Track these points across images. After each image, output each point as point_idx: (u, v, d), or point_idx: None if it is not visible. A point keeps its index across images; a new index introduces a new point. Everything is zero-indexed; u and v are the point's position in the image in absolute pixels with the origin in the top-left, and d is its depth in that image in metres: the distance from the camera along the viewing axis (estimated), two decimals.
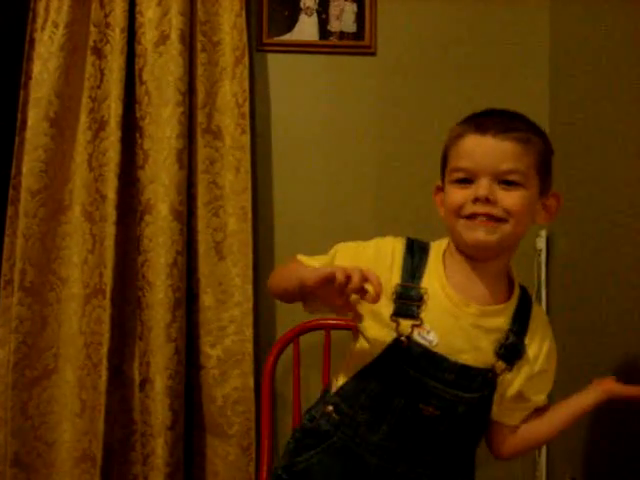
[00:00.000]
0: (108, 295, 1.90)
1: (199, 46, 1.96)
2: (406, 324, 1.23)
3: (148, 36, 1.92)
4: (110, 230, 1.90)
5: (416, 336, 1.22)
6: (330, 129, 2.10)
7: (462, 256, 1.27)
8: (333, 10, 2.08)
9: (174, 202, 1.89)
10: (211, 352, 1.98)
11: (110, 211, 1.90)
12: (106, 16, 1.93)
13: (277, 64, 2.10)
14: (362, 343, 1.31)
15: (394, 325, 1.23)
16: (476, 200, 1.19)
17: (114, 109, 1.91)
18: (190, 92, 1.95)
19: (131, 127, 1.95)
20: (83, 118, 1.94)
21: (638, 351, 1.60)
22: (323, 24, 2.08)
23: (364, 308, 1.21)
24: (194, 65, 1.96)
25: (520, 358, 1.27)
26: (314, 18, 2.07)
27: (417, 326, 1.23)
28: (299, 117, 2.11)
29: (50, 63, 1.90)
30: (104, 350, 1.90)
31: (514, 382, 1.29)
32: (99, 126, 1.94)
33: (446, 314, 1.24)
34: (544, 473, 2.04)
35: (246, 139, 1.96)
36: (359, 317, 1.24)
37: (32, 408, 1.93)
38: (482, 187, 1.18)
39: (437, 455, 1.28)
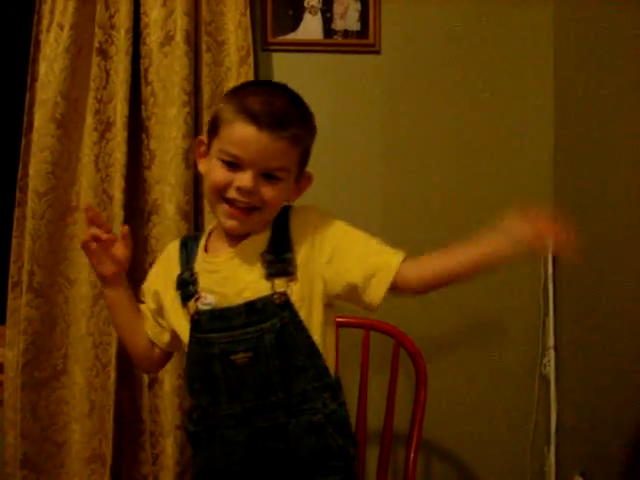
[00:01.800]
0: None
1: (204, 46, 1.96)
2: (192, 303, 1.34)
3: (153, 37, 1.93)
4: (117, 231, 1.89)
5: (200, 306, 1.33)
6: (335, 127, 2.10)
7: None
8: (337, 9, 2.08)
9: (181, 202, 1.89)
10: None
11: (117, 211, 1.90)
12: (111, 17, 1.93)
13: (282, 63, 2.10)
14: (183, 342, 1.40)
15: (187, 310, 1.35)
16: (239, 190, 1.26)
17: (120, 110, 1.91)
18: (196, 92, 1.95)
19: (137, 128, 1.95)
20: (89, 119, 1.94)
21: None
22: (327, 23, 2.08)
23: (167, 313, 1.40)
24: (199, 65, 1.97)
25: (293, 264, 1.31)
26: (318, 17, 2.08)
27: (197, 299, 1.33)
28: None
29: (56, 64, 1.90)
30: (113, 350, 1.90)
31: (314, 283, 1.32)
32: (105, 127, 1.95)
33: (209, 274, 1.34)
34: (553, 468, 2.04)
35: None
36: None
37: (41, 409, 1.94)
38: (247, 179, 1.25)
39: (281, 393, 1.30)
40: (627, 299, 1.70)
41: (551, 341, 2.06)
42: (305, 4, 2.07)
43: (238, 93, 1.33)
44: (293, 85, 2.07)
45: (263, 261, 1.31)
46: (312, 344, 1.32)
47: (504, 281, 2.12)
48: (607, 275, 1.80)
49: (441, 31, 2.13)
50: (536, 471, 2.13)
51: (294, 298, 1.30)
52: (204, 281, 1.34)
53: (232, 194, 1.27)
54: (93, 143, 1.94)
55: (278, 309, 1.29)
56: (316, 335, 1.32)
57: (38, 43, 1.94)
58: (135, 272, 1.96)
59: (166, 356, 1.51)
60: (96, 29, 1.93)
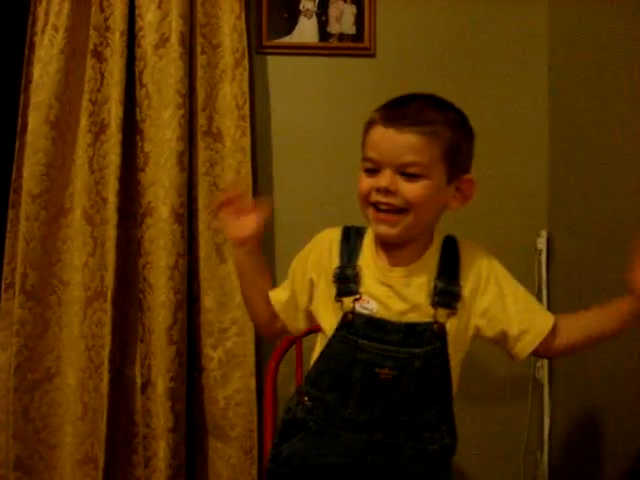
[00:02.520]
0: (109, 298, 1.90)
1: (199, 48, 1.96)
2: (349, 301, 1.32)
3: (148, 39, 1.92)
4: (111, 233, 1.90)
5: (358, 308, 1.31)
6: (330, 131, 2.10)
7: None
8: (333, 12, 2.08)
9: (175, 204, 1.89)
10: (213, 354, 1.98)
11: (111, 214, 1.90)
12: (106, 19, 1.93)
13: (277, 66, 2.10)
14: (321, 333, 1.39)
15: (339, 305, 1.33)
16: (378, 190, 1.26)
17: (114, 112, 1.92)
18: (190, 94, 1.95)
19: (131, 130, 1.94)
20: (83, 121, 1.94)
21: (638, 351, 1.60)
22: (323, 26, 2.08)
23: (316, 301, 1.39)
24: (194, 67, 1.96)
25: (458, 299, 1.31)
26: (314, 20, 2.08)
27: (358, 300, 1.32)
28: (299, 119, 2.11)
29: (50, 66, 1.90)
30: (105, 353, 1.90)
31: (470, 321, 1.33)
32: (99, 129, 1.95)
33: (378, 283, 1.32)
34: (546, 473, 2.04)
35: (246, 141, 1.96)
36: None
37: (34, 411, 1.94)
38: (383, 178, 1.25)
39: (408, 416, 1.31)
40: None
41: None
42: (300, 7, 2.07)
43: (383, 105, 1.34)
44: (288, 88, 2.11)
45: (433, 287, 1.31)
46: (449, 379, 1.34)
47: None
48: (601, 279, 1.80)
49: (436, 35, 2.13)
50: (529, 476, 2.12)
51: (450, 332, 1.30)
52: (370, 286, 1.32)
53: (374, 197, 1.27)
54: (87, 145, 1.94)
55: (434, 338, 1.29)
56: (454, 371, 1.34)
57: (33, 45, 1.94)
58: (129, 273, 1.97)
59: (281, 331, 1.51)
60: (91, 31, 1.93)
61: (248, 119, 1.96)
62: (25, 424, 1.92)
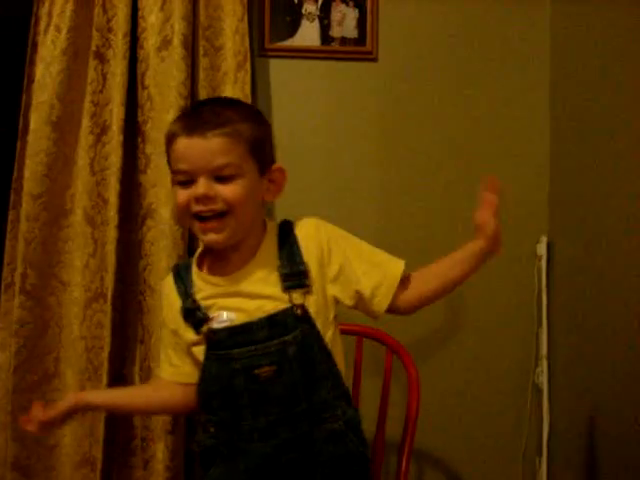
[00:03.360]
0: (109, 299, 1.89)
1: (201, 51, 1.97)
2: (205, 327, 1.34)
3: (150, 41, 1.92)
4: (112, 234, 1.90)
5: (216, 325, 1.33)
6: (331, 134, 2.10)
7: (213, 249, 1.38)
8: (335, 16, 2.08)
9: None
10: None
11: (112, 215, 1.90)
12: (109, 21, 1.93)
13: (279, 69, 2.10)
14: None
15: (201, 336, 1.34)
16: (197, 200, 1.27)
17: (116, 113, 1.92)
18: (192, 97, 1.95)
19: (133, 131, 1.95)
20: (85, 122, 1.94)
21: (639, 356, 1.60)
22: (325, 30, 2.09)
23: (192, 347, 1.38)
24: (196, 70, 1.97)
25: (307, 276, 1.33)
26: (316, 24, 2.08)
27: (210, 321, 1.33)
28: (300, 122, 2.12)
29: (52, 67, 1.90)
30: (105, 354, 1.89)
31: (327, 293, 1.35)
32: (101, 130, 1.94)
33: (221, 296, 1.34)
34: (545, 478, 2.04)
35: None
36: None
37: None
38: (200, 186, 1.27)
39: (304, 403, 1.32)
40: (621, 309, 1.70)
41: (544, 351, 2.06)
42: (303, 11, 2.08)
43: (172, 121, 1.39)
44: (290, 91, 2.11)
45: (279, 275, 1.33)
46: (329, 353, 1.35)
47: (498, 290, 2.12)
48: (601, 285, 1.80)
49: (438, 38, 2.14)
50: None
51: (311, 310, 1.32)
52: (219, 303, 1.34)
53: (194, 208, 1.28)
54: (89, 146, 1.93)
55: (298, 321, 1.31)
56: (330, 344, 1.35)
57: (35, 45, 1.94)
58: (129, 275, 1.97)
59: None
60: (93, 32, 1.93)
61: None
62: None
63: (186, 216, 1.31)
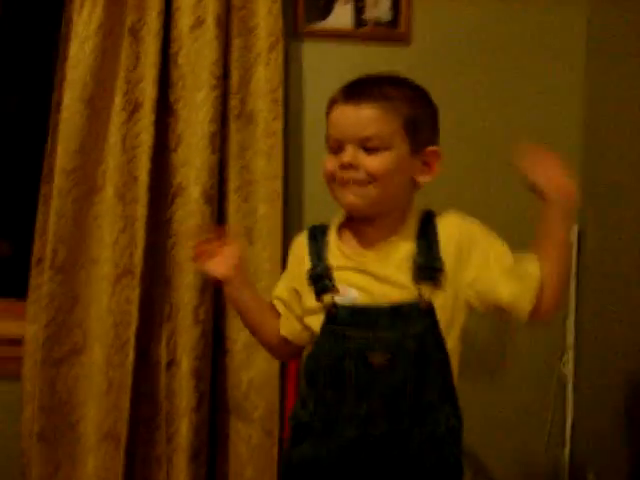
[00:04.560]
0: (138, 275, 1.91)
1: (234, 31, 1.96)
2: (328, 297, 1.31)
3: (184, 20, 1.93)
4: (141, 212, 1.91)
5: (339, 300, 1.30)
6: None
7: (353, 220, 1.36)
8: None
9: (205, 186, 1.90)
10: (237, 336, 1.98)
11: (142, 193, 1.91)
12: None
13: (311, 51, 2.09)
14: (312, 335, 1.36)
15: (321, 305, 1.32)
16: (342, 167, 1.27)
17: (148, 92, 1.92)
18: (224, 77, 1.95)
19: (165, 110, 1.95)
20: (117, 100, 1.95)
21: None
22: (359, 12, 2.07)
23: (304, 310, 1.37)
24: (229, 50, 1.96)
25: (440, 272, 1.29)
26: (350, 6, 2.06)
27: (336, 293, 1.30)
28: None
29: (86, 44, 1.91)
30: (132, 330, 1.92)
31: (459, 294, 1.30)
32: (133, 108, 1.95)
33: (353, 271, 1.31)
34: (567, 468, 2.03)
35: (278, 125, 1.96)
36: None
37: (59, 385, 1.96)
38: (346, 154, 1.27)
39: (409, 401, 1.28)
40: None
41: (571, 340, 2.04)
42: None
43: (342, 86, 1.36)
44: (322, 73, 2.10)
45: (413, 264, 1.29)
46: (446, 358, 1.31)
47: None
48: (631, 275, 1.78)
49: (473, 24, 2.11)
50: (550, 470, 2.11)
51: (437, 307, 1.28)
52: (345, 276, 1.31)
53: (339, 174, 1.29)
54: (120, 124, 1.94)
55: (422, 316, 1.28)
56: (450, 346, 1.32)
57: (70, 22, 1.95)
58: (157, 252, 1.98)
59: (298, 350, 1.46)
60: (128, 10, 1.93)
61: (281, 103, 1.96)
62: (50, 397, 1.94)
63: (330, 182, 1.31)
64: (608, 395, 1.89)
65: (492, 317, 1.37)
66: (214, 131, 1.91)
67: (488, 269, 1.30)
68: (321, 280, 1.33)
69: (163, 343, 1.98)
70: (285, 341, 1.43)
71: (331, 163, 1.30)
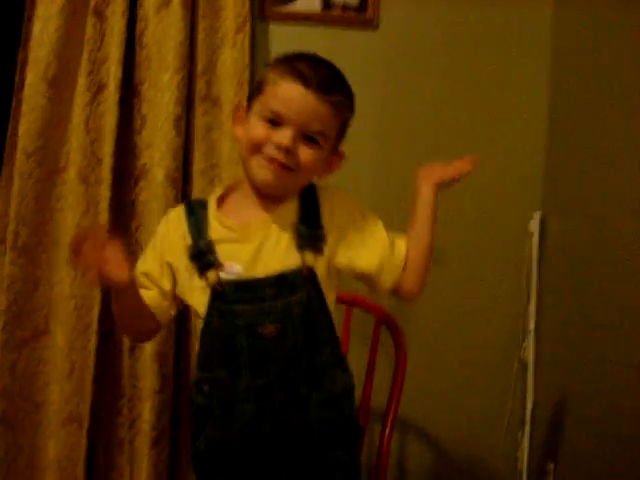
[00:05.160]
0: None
1: (201, 12, 1.94)
2: (212, 273, 1.30)
3: (150, 0, 1.90)
4: (105, 193, 1.89)
5: (224, 276, 1.29)
6: None
7: (249, 190, 1.36)
8: None
9: (170, 168, 1.89)
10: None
11: (105, 174, 1.89)
12: None
13: (279, 34, 2.08)
14: (195, 314, 1.37)
15: (205, 281, 1.30)
16: (278, 147, 1.26)
17: (113, 72, 1.90)
18: (190, 58, 1.93)
19: (130, 91, 1.93)
20: (82, 80, 1.92)
21: (631, 333, 1.61)
22: None
23: (181, 285, 1.36)
24: (195, 31, 1.95)
25: (322, 240, 1.33)
26: None
27: (220, 268, 1.30)
28: None
29: (50, 24, 1.88)
30: (95, 313, 1.90)
31: (336, 259, 1.35)
32: (97, 89, 1.93)
33: (235, 243, 1.32)
34: (526, 454, 2.06)
35: None
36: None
37: (21, 368, 1.94)
38: (287, 137, 1.26)
39: (304, 366, 1.31)
40: (610, 286, 1.70)
41: (531, 326, 2.06)
42: None
43: (286, 58, 1.34)
44: None
45: (295, 232, 1.32)
46: (330, 318, 1.35)
47: (489, 265, 2.12)
48: (592, 263, 1.80)
49: (440, 9, 2.11)
50: (509, 456, 2.14)
51: (319, 273, 1.32)
52: (227, 250, 1.31)
53: (270, 151, 1.27)
54: (84, 104, 1.92)
55: (306, 282, 1.30)
56: (331, 309, 1.36)
57: (33, 2, 1.91)
58: (121, 235, 1.95)
59: (159, 328, 1.46)
60: None
61: (247, 86, 1.94)
62: (12, 380, 1.92)
63: (253, 150, 1.29)
64: (567, 380, 1.92)
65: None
66: (179, 113, 1.89)
67: (362, 239, 1.36)
68: (204, 256, 1.32)
69: None
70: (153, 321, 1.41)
71: (263, 133, 1.28)
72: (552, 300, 2.03)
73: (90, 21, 1.91)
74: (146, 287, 1.39)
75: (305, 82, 1.26)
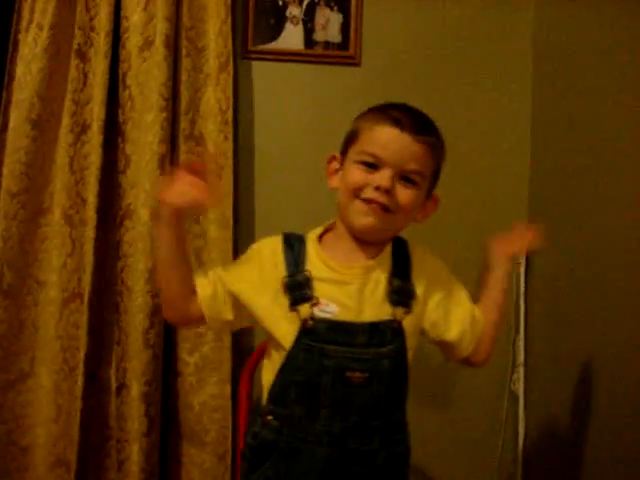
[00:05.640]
0: (86, 300, 1.88)
1: (184, 52, 1.96)
2: (305, 308, 1.29)
3: (133, 41, 1.92)
4: (90, 234, 1.89)
5: (318, 313, 1.28)
6: (313, 138, 2.09)
7: (346, 234, 1.35)
8: (319, 20, 2.08)
9: (155, 208, 1.88)
10: (189, 359, 1.96)
11: (90, 215, 1.89)
12: (91, 19, 1.92)
13: (262, 72, 2.09)
14: (275, 345, 1.34)
15: (296, 314, 1.29)
16: (378, 188, 1.26)
17: (97, 113, 1.90)
18: (174, 97, 1.94)
19: (113, 131, 1.93)
20: (65, 121, 1.93)
21: (617, 364, 1.61)
22: (309, 33, 2.08)
23: (263, 317, 1.34)
24: (178, 71, 1.96)
25: (412, 297, 1.34)
26: (300, 27, 2.07)
27: (315, 305, 1.29)
28: (282, 125, 2.11)
29: (33, 65, 1.88)
30: (81, 355, 1.88)
31: (425, 318, 1.36)
32: (81, 129, 1.93)
33: (335, 284, 1.31)
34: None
35: (228, 146, 1.95)
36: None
37: (7, 412, 1.92)
38: (386, 178, 1.26)
39: (381, 419, 1.31)
40: (600, 318, 1.70)
41: (521, 358, 2.06)
42: (287, 14, 2.07)
43: (378, 107, 1.36)
44: (272, 95, 2.10)
45: (389, 284, 1.32)
46: (408, 377, 1.36)
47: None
48: (580, 293, 1.80)
49: (422, 45, 2.13)
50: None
51: (406, 329, 1.32)
52: (325, 288, 1.30)
53: (369, 194, 1.27)
54: (68, 145, 1.92)
55: (395, 336, 1.31)
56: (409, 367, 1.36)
57: (17, 43, 1.92)
58: (106, 276, 1.96)
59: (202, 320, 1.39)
60: (76, 31, 1.92)
61: (231, 124, 1.96)
62: None
63: (353, 195, 1.29)
64: (559, 412, 1.91)
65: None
66: (163, 152, 1.89)
67: (447, 305, 1.38)
68: (300, 289, 1.30)
69: (113, 368, 1.96)
70: (189, 304, 1.36)
71: (363, 177, 1.29)
72: (541, 331, 2.02)
73: (73, 62, 1.92)
74: (213, 290, 1.36)
75: (400, 125, 1.28)
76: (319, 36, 2.08)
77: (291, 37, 2.08)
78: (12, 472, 1.93)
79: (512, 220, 2.05)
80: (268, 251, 1.38)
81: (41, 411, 1.93)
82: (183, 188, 1.28)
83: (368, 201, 1.28)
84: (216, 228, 1.96)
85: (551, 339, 1.96)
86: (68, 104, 1.93)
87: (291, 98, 2.11)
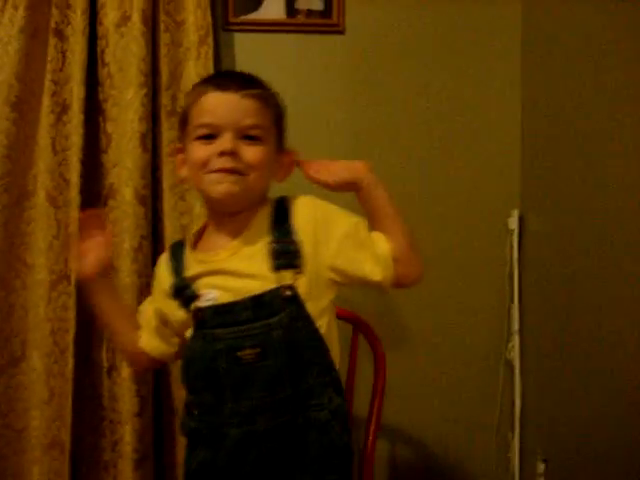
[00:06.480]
0: (73, 281, 1.87)
1: (162, 26, 1.92)
2: (194, 305, 1.32)
3: (110, 17, 1.89)
4: (74, 215, 1.86)
5: (202, 303, 1.31)
6: (298, 109, 2.00)
7: (213, 220, 1.39)
8: None
9: (138, 186, 1.86)
10: None
11: (74, 196, 1.87)
12: None
13: (243, 43, 2.05)
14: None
15: (190, 314, 1.33)
16: (222, 154, 1.26)
17: (76, 92, 1.88)
18: (154, 73, 1.91)
19: (94, 110, 1.91)
20: (45, 101, 1.90)
21: (610, 329, 1.59)
22: (290, 2, 2.03)
23: (179, 326, 1.38)
24: (157, 45, 1.93)
25: (298, 256, 1.30)
26: None
27: (198, 298, 1.32)
28: None
29: (10, 46, 1.86)
30: (71, 337, 1.87)
31: (321, 274, 1.32)
32: (62, 109, 1.91)
33: (212, 274, 1.32)
34: (517, 454, 2.04)
35: None
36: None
37: (0, 396, 1.91)
38: (227, 141, 1.26)
39: (288, 389, 1.29)
40: (592, 284, 1.67)
41: (516, 326, 2.04)
42: None
43: (196, 84, 1.40)
44: (255, 66, 2.00)
45: (269, 252, 1.30)
46: (319, 338, 1.31)
47: (469, 266, 2.09)
48: (572, 259, 1.78)
49: (407, 13, 2.08)
50: (500, 457, 2.11)
51: (301, 291, 1.29)
52: (205, 282, 1.32)
53: (215, 164, 1.27)
54: (50, 126, 1.90)
55: (285, 303, 1.28)
56: (322, 329, 1.32)
57: None
58: None
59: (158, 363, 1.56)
60: (52, 9, 1.89)
61: None
62: None
63: (199, 172, 1.30)
64: (555, 379, 1.89)
65: None
66: (145, 130, 1.87)
67: (346, 247, 1.32)
68: (182, 292, 1.34)
69: (103, 349, 1.95)
70: (144, 354, 1.49)
71: (205, 150, 1.28)
72: (535, 298, 2.00)
73: (52, 41, 1.89)
74: (144, 326, 1.49)
75: (221, 87, 1.29)
76: (301, 4, 2.04)
77: (272, 6, 2.03)
78: (8, 455, 1.93)
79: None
80: (160, 266, 1.46)
81: (34, 394, 1.93)
82: (88, 256, 1.41)
83: (217, 171, 1.28)
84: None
85: (545, 306, 1.94)
86: (47, 84, 1.90)
87: (275, 69, 2.05)
